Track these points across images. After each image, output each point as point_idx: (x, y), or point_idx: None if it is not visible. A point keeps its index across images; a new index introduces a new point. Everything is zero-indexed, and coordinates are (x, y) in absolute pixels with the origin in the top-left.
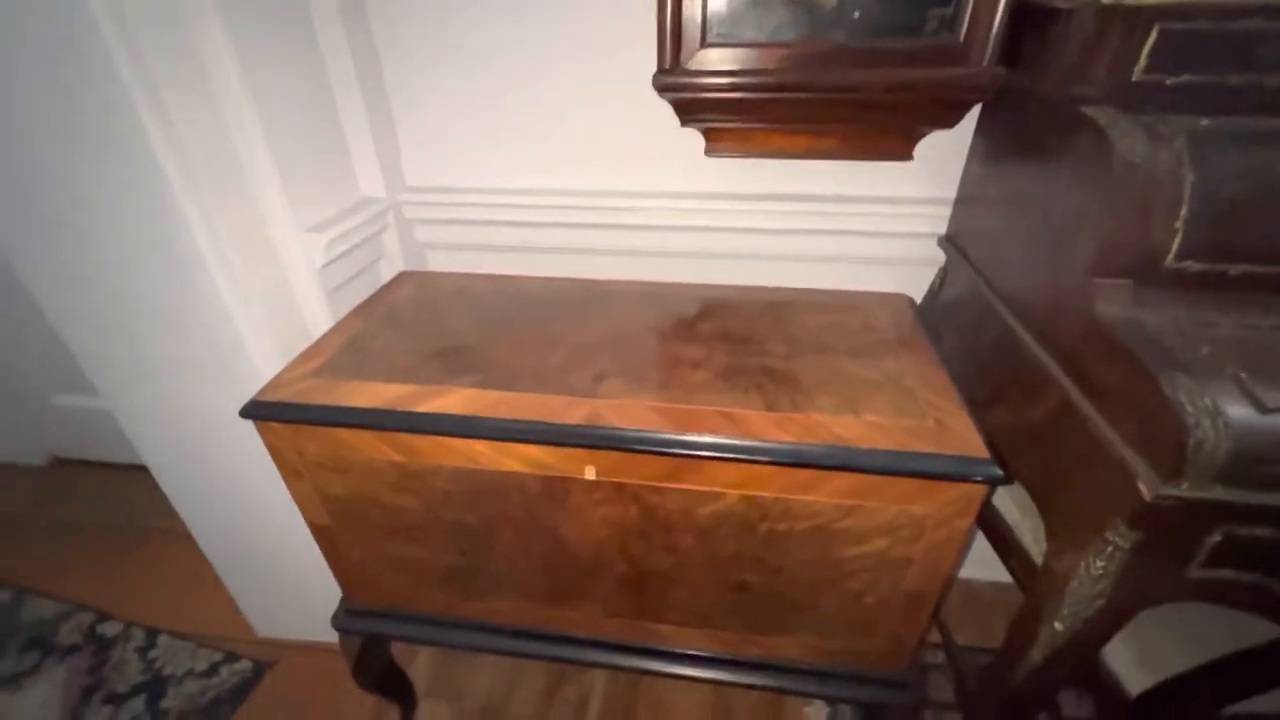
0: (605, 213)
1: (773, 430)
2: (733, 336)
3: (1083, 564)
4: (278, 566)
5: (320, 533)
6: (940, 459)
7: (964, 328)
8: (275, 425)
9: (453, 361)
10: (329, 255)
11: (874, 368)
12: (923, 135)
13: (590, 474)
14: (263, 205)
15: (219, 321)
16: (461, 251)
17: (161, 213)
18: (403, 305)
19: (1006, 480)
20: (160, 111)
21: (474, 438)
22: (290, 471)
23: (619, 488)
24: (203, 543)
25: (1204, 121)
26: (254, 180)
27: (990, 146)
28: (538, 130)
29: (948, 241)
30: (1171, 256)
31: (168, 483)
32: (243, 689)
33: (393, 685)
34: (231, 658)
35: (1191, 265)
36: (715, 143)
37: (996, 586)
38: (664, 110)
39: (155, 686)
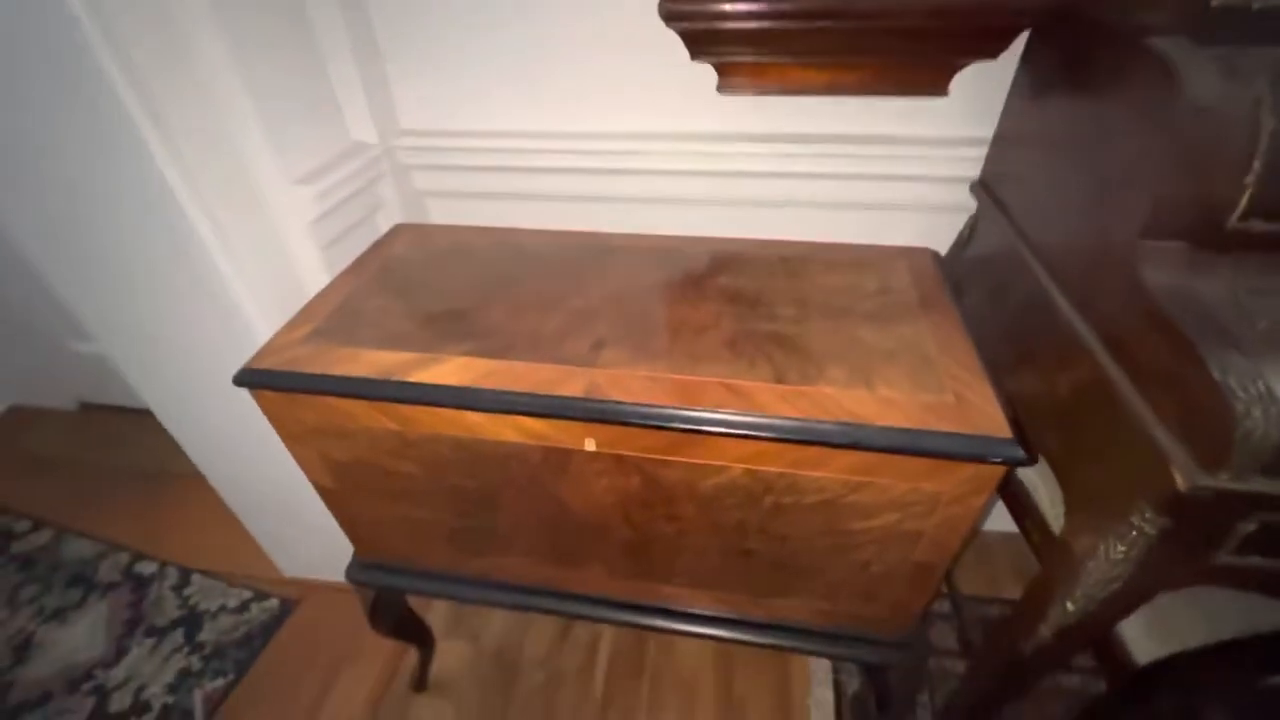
0: (610, 157)
1: (780, 405)
2: (742, 298)
3: (1102, 546)
4: (296, 512)
5: (325, 493)
6: (958, 439)
7: (992, 284)
8: (269, 393)
9: (447, 327)
10: (321, 208)
11: (891, 334)
12: (961, 68)
13: (590, 445)
14: (245, 156)
15: (211, 279)
16: (463, 199)
17: (138, 168)
18: (396, 263)
19: (1030, 461)
20: (125, 57)
21: (467, 409)
22: (290, 436)
23: (619, 459)
24: (223, 492)
25: None
26: (234, 128)
27: (1036, 81)
28: (538, 68)
29: (980, 187)
30: (1236, 216)
31: (182, 436)
32: (271, 625)
33: (409, 630)
34: (261, 596)
35: (1257, 225)
36: (728, 78)
37: (1006, 537)
38: (673, 44)
39: (191, 621)
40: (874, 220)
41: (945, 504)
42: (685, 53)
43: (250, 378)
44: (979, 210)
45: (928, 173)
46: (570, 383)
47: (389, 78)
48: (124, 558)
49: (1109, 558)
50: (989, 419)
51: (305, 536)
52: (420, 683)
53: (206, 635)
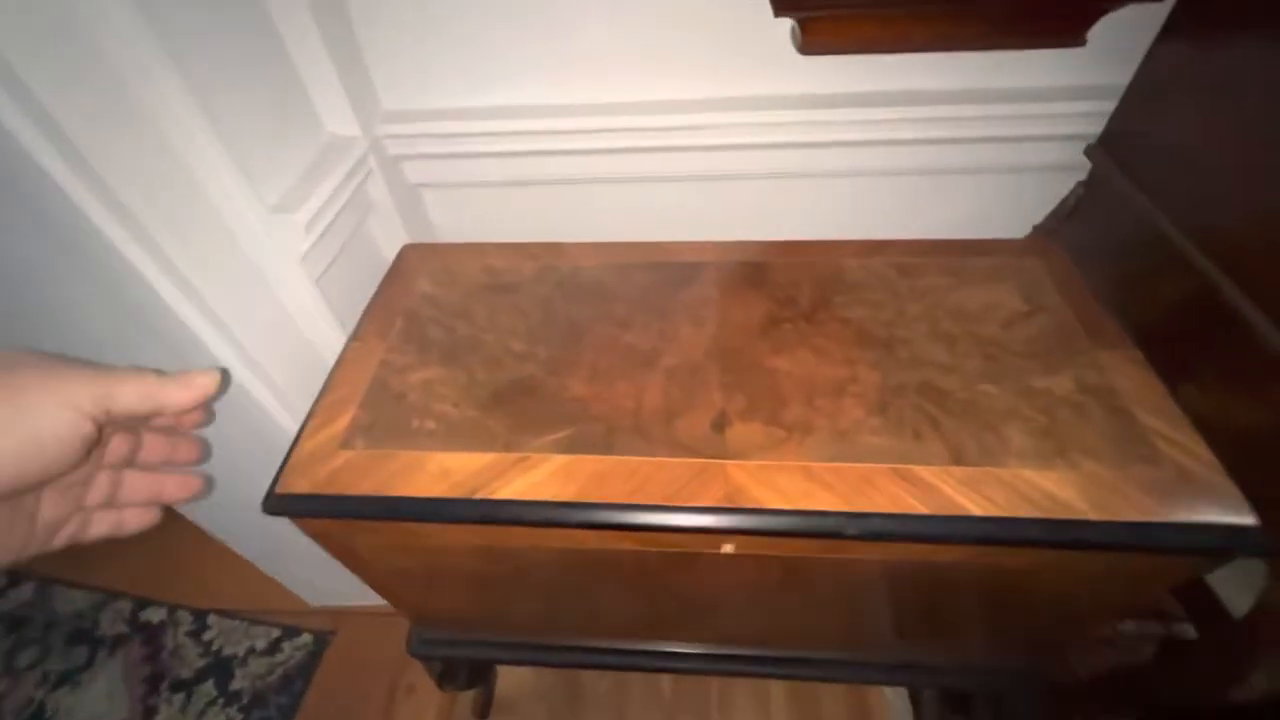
0: (648, 134)
1: (967, 495)
2: (871, 335)
3: None
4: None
5: (384, 590)
6: (1195, 531)
7: (1120, 274)
8: (315, 520)
9: (523, 407)
10: (310, 237)
11: (1067, 376)
12: (1105, 10)
13: (728, 549)
14: (209, 191)
15: (193, 353)
16: (466, 191)
17: (80, 235)
18: (426, 309)
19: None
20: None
21: (582, 527)
22: (343, 555)
23: (761, 559)
24: (229, 542)
25: None
26: (188, 150)
27: (1209, 14)
28: (549, 26)
29: (1102, 150)
30: None
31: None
32: (309, 662)
33: (479, 677)
34: (291, 631)
35: None
36: (815, 37)
37: None
38: None
39: (220, 669)
40: (960, 186)
41: (1143, 581)
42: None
43: (290, 505)
44: (1094, 176)
45: (1034, 132)
46: (704, 486)
47: (363, 51)
48: (125, 606)
49: None
50: (1222, 496)
51: (328, 565)
52: (484, 708)
53: (240, 683)
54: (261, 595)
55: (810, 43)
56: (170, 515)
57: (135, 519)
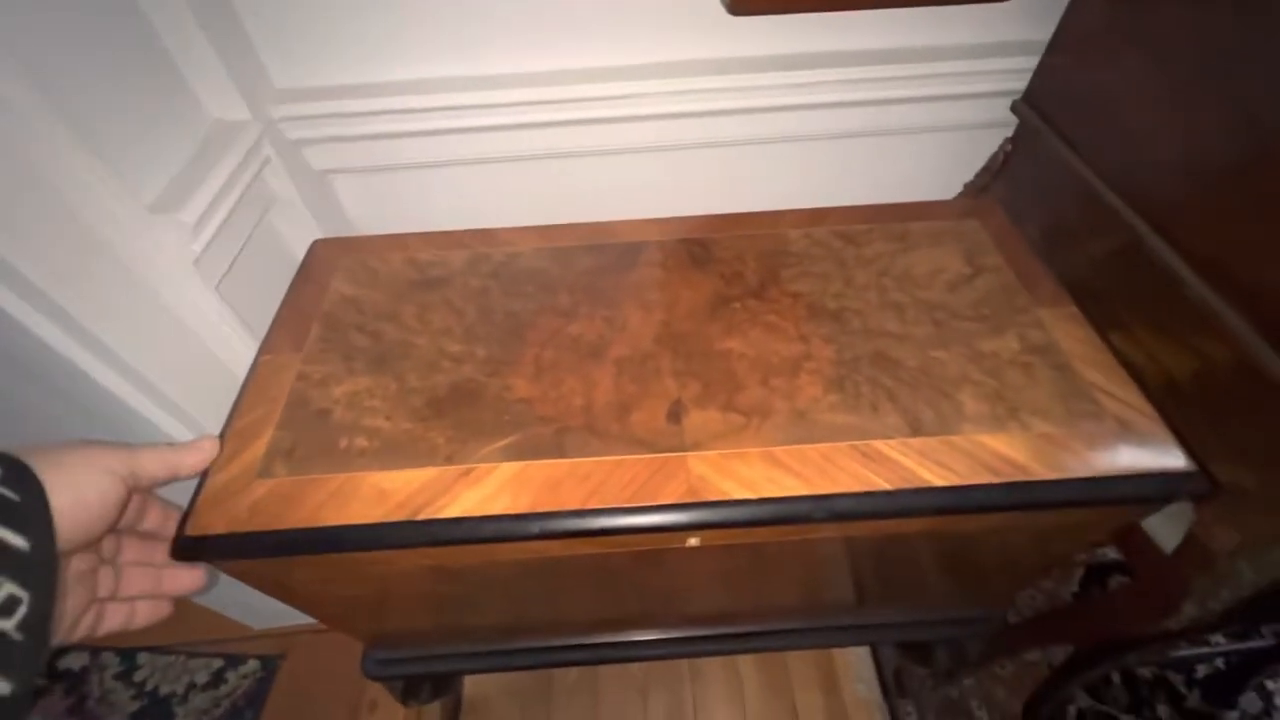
0: (573, 106)
1: (928, 466)
2: (820, 306)
3: (1261, 551)
4: None
5: (328, 620)
6: (1140, 480)
7: (1048, 224)
8: (239, 561)
9: (465, 414)
10: (203, 237)
11: (1013, 334)
12: None
13: (693, 542)
14: (63, 185)
15: (72, 384)
16: (382, 177)
17: None
18: (346, 311)
19: (1213, 492)
20: None
21: (540, 539)
22: (276, 592)
23: (728, 548)
24: None
25: None
26: (31, 144)
27: None
28: None
29: (1027, 106)
30: None
31: None
32: (259, 690)
33: (445, 686)
34: (235, 661)
35: None
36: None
37: None
38: None
39: (159, 710)
40: (891, 148)
41: (1091, 528)
42: None
43: (204, 549)
44: (1021, 133)
45: (967, 90)
46: (664, 482)
47: (243, 20)
48: None
49: (1268, 562)
50: (1161, 444)
51: None
52: (453, 713)
53: None
54: (198, 625)
55: (739, 3)
56: None
57: (146, 611)
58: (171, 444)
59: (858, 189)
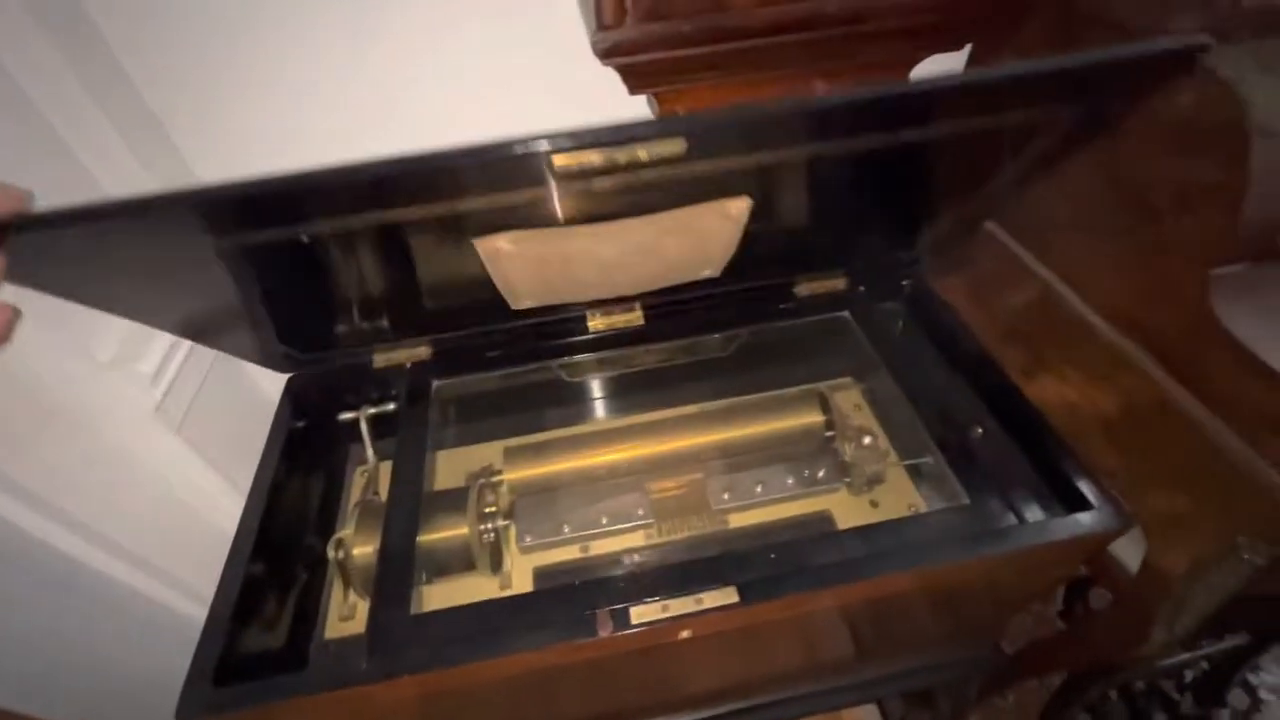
0: None
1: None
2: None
3: (1205, 572)
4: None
5: None
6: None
7: (979, 281)
8: None
9: None
10: (162, 384)
11: None
12: (919, 61)
13: (685, 635)
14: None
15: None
16: None
17: None
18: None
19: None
20: None
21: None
22: None
23: (717, 635)
24: None
25: None
26: None
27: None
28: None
29: None
30: None
31: None
32: None
33: None
34: None
35: None
36: (669, 105)
37: None
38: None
39: None
40: None
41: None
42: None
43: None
44: None
45: None
46: None
47: (166, 127)
48: None
49: (1213, 582)
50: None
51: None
52: None
53: None
54: None
55: (665, 110)
56: None
57: None
58: None
59: None
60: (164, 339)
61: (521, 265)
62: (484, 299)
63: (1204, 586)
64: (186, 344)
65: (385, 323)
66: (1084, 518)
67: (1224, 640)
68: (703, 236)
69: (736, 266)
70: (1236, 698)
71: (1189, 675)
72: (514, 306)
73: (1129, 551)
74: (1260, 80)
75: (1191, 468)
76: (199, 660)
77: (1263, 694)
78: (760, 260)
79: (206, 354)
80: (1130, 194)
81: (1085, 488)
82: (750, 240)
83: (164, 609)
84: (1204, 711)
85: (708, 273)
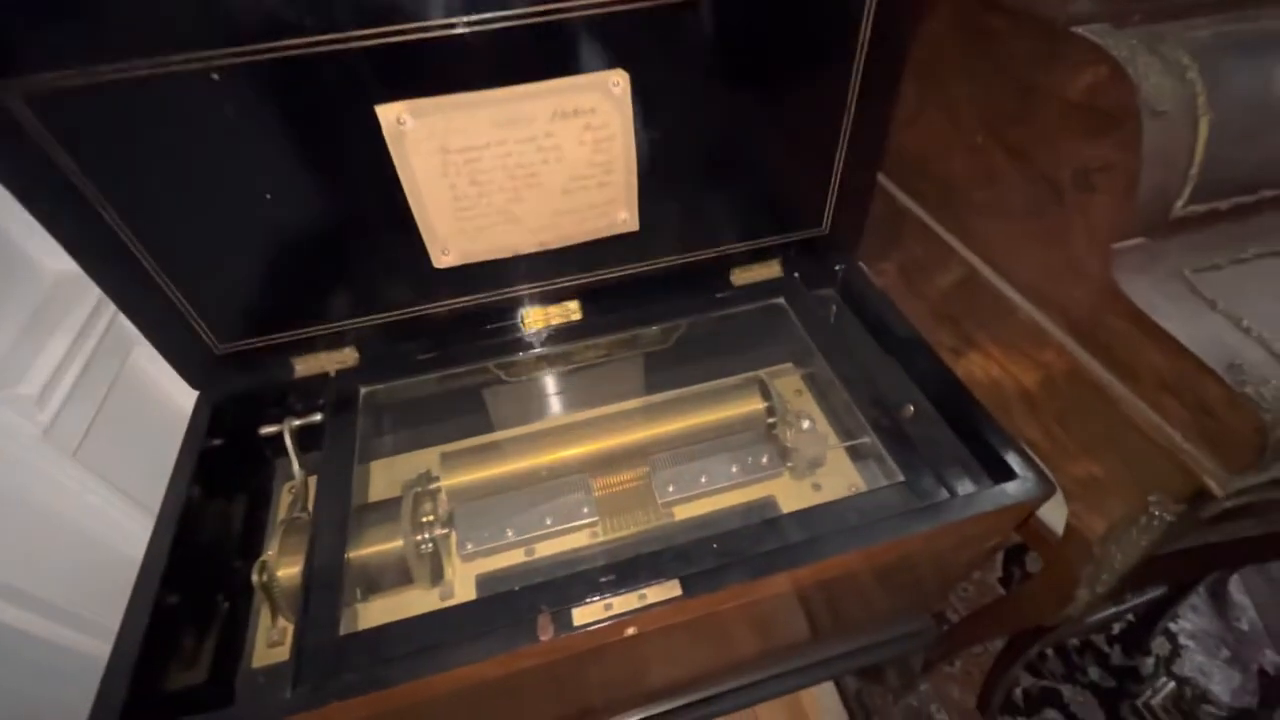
0: None
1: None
2: None
3: (1120, 533)
4: None
5: None
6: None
7: (908, 264)
8: None
9: None
10: (50, 407)
11: None
12: None
13: (631, 632)
14: None
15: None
16: None
17: None
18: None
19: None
20: None
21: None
22: None
23: (666, 629)
24: None
25: (1202, 32)
26: None
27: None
28: None
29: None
30: (1181, 203)
31: None
32: None
33: None
34: None
35: (1194, 209)
36: None
37: None
38: None
39: None
40: None
41: (984, 537)
42: None
43: None
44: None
45: None
46: None
47: None
48: None
49: (1129, 541)
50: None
51: None
52: None
53: None
54: None
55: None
56: None
57: None
58: None
59: None
60: (50, 356)
61: (427, 155)
62: (407, 262)
63: (1122, 545)
64: (79, 361)
65: (303, 300)
66: (1010, 487)
67: (1146, 593)
68: (594, 127)
69: (660, 236)
70: (1160, 645)
71: (1116, 628)
72: (435, 262)
73: (1056, 517)
74: (1151, 62)
75: (1105, 433)
76: (100, 707)
77: (1182, 640)
78: (684, 232)
79: (108, 370)
80: (1038, 176)
81: (1010, 459)
82: (665, 210)
83: (71, 653)
84: (1132, 660)
85: (624, 216)
